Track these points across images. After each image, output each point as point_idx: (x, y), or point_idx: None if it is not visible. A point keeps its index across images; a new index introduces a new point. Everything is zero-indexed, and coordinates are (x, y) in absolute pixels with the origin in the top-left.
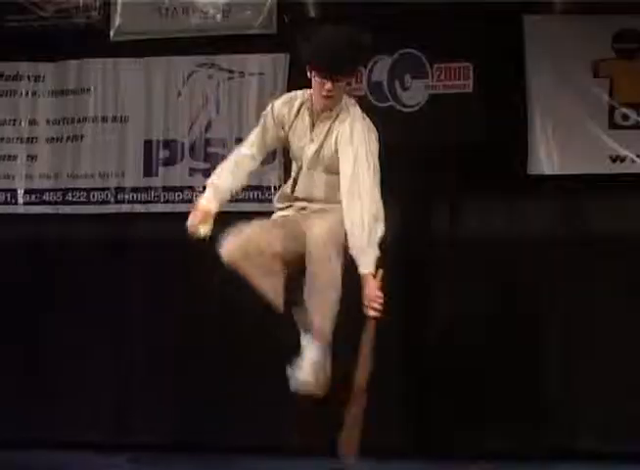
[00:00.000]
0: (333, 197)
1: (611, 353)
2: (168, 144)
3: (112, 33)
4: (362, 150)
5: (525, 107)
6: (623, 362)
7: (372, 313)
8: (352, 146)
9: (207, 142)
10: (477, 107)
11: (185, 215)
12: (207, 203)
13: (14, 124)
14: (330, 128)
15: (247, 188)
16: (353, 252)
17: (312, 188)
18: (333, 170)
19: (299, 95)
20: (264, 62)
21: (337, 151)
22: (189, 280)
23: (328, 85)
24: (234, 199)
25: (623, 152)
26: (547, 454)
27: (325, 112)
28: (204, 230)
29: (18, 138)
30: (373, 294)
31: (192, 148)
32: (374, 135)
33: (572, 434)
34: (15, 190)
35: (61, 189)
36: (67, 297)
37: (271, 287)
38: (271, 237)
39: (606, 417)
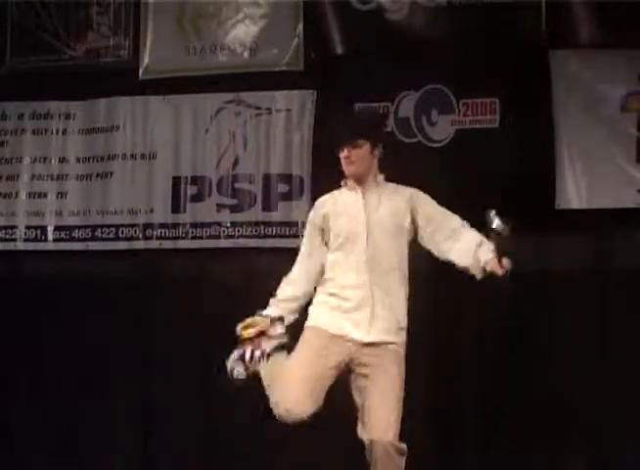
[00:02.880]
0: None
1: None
2: (196, 180)
3: (140, 72)
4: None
5: (553, 141)
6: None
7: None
8: (425, 200)
9: (235, 178)
10: (504, 142)
11: (212, 252)
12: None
13: (44, 162)
14: (380, 196)
15: (274, 224)
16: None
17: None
18: (392, 229)
19: (326, 196)
20: (291, 98)
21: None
22: (218, 315)
23: (345, 152)
24: (262, 235)
25: None
26: None
27: (363, 186)
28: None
29: (48, 175)
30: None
31: (219, 184)
32: None
33: None
34: (45, 227)
35: (90, 226)
36: (94, 333)
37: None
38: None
39: None
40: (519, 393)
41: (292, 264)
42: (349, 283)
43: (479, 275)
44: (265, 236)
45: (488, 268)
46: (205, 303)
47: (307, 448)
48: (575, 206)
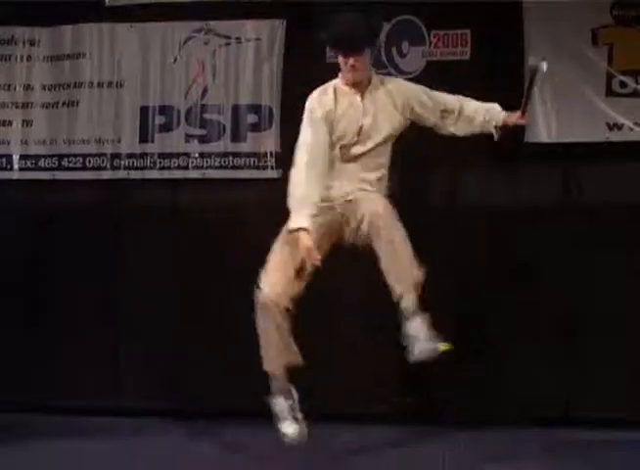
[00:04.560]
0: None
1: (610, 319)
2: (164, 110)
3: None
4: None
5: (523, 74)
6: (622, 329)
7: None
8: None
9: (204, 108)
10: (474, 74)
11: (180, 182)
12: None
13: (8, 89)
14: (377, 99)
15: (243, 155)
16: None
17: (359, 173)
18: (386, 135)
19: (328, 85)
20: (261, 27)
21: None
22: (184, 246)
23: (350, 61)
24: (231, 166)
25: (621, 120)
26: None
27: (359, 86)
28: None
29: (13, 103)
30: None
31: (188, 114)
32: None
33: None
34: (10, 155)
35: (56, 155)
36: (60, 263)
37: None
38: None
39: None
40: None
41: (262, 195)
42: (334, 188)
43: (495, 135)
44: (234, 167)
45: (510, 120)
46: (173, 233)
47: None
48: (545, 139)
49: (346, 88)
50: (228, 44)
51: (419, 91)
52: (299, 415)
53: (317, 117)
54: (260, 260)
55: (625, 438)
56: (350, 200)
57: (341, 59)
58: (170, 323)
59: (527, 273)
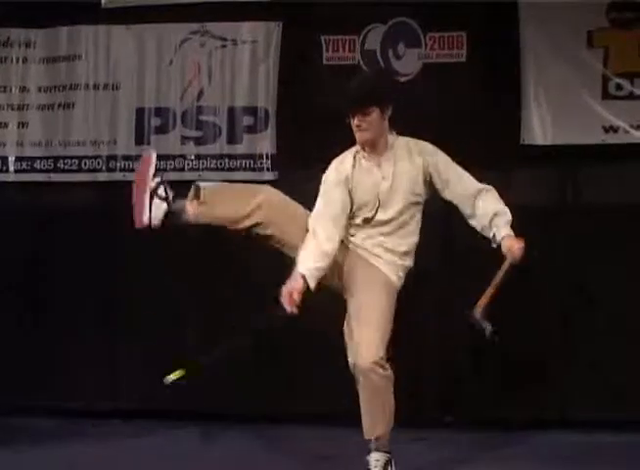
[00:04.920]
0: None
1: (609, 320)
2: (160, 112)
3: (103, 0)
4: (450, 162)
5: (520, 76)
6: (621, 328)
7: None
8: (446, 165)
9: (199, 110)
10: (470, 76)
11: (176, 184)
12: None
13: (4, 91)
14: (395, 165)
15: (239, 157)
16: (494, 220)
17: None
18: (406, 200)
19: (347, 153)
20: (257, 29)
21: (418, 179)
22: (180, 247)
23: (355, 121)
24: (227, 168)
25: (616, 122)
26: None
27: (376, 150)
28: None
29: (8, 105)
30: (517, 246)
31: (184, 116)
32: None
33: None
34: (6, 157)
35: (52, 157)
36: (57, 265)
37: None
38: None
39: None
40: None
41: None
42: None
43: (493, 244)
44: (230, 169)
45: (504, 251)
46: (169, 235)
47: None
48: (540, 142)
49: (365, 154)
50: (224, 46)
51: (445, 163)
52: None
53: (331, 185)
54: (257, 261)
55: (624, 440)
56: (361, 261)
57: (352, 122)
58: (169, 324)
59: (524, 275)
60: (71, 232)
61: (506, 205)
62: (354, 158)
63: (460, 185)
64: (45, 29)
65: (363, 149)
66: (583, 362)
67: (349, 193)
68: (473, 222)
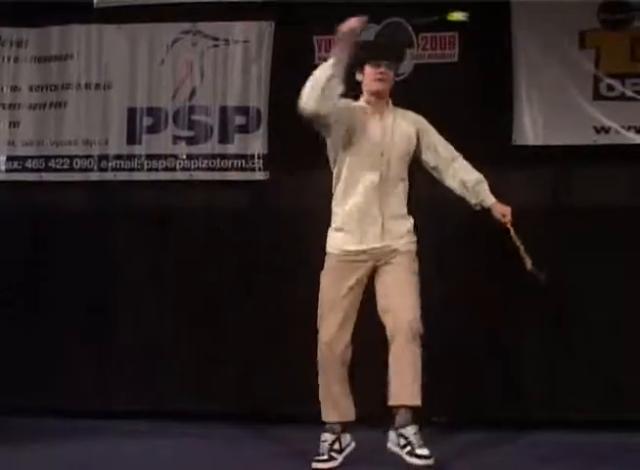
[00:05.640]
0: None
1: (601, 320)
2: (152, 111)
3: (95, 0)
4: (437, 133)
5: (512, 77)
6: (617, 328)
7: (508, 223)
8: (429, 129)
9: (191, 110)
10: (462, 76)
11: (167, 184)
12: None
13: None
14: (394, 122)
15: (231, 156)
16: (476, 187)
17: (387, 196)
18: (403, 153)
19: (354, 102)
20: (249, 29)
21: (413, 138)
22: (171, 247)
23: (380, 69)
24: (218, 168)
25: (608, 123)
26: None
27: (378, 106)
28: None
29: (0, 104)
30: (506, 210)
31: (175, 116)
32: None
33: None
34: None
35: (43, 156)
36: (48, 264)
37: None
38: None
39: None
40: None
41: (248, 197)
42: (360, 207)
43: (475, 207)
44: (221, 169)
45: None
46: (160, 234)
47: None
48: (532, 142)
49: (366, 106)
50: (216, 46)
51: (434, 133)
52: (338, 456)
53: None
54: (249, 260)
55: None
56: (388, 257)
57: (369, 70)
58: (162, 324)
59: (514, 276)
60: (63, 232)
61: None
62: (358, 106)
63: (445, 150)
64: (37, 29)
65: (368, 103)
66: (577, 362)
67: (350, 136)
68: (452, 183)
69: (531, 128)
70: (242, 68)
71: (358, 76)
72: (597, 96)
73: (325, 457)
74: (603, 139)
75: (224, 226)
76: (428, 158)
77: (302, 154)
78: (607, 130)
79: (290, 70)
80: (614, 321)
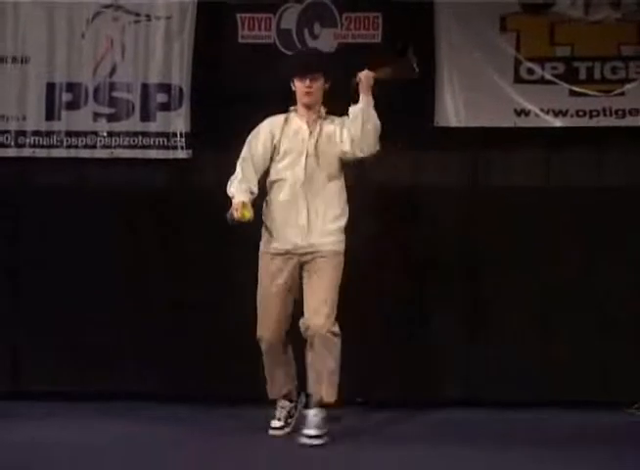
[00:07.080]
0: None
1: (514, 301)
2: (71, 87)
3: None
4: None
5: (434, 59)
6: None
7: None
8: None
9: (112, 86)
10: (385, 57)
11: (88, 161)
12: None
13: None
14: (321, 127)
15: (153, 134)
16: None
17: (312, 184)
18: (329, 154)
19: (281, 115)
20: (171, 5)
21: (335, 136)
22: (91, 225)
23: (307, 82)
24: (140, 145)
25: (528, 106)
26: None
27: (309, 116)
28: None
29: None
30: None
31: (96, 92)
32: None
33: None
34: None
35: None
36: None
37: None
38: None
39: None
40: None
41: (170, 175)
42: (287, 204)
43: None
44: (143, 146)
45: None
46: (79, 213)
47: None
48: (454, 124)
49: (297, 118)
50: (138, 22)
51: (346, 118)
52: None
53: (256, 134)
54: (171, 238)
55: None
56: (311, 256)
57: (298, 84)
58: (74, 305)
59: (435, 258)
60: None
61: (418, 185)
62: (285, 119)
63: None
64: None
65: (300, 112)
66: (491, 343)
67: (275, 143)
68: (356, 132)
69: (453, 110)
70: (164, 44)
71: (293, 87)
72: (517, 79)
73: (281, 424)
74: (523, 122)
75: (146, 205)
76: (345, 139)
77: (226, 132)
78: (527, 113)
79: (212, 47)
80: (527, 302)
